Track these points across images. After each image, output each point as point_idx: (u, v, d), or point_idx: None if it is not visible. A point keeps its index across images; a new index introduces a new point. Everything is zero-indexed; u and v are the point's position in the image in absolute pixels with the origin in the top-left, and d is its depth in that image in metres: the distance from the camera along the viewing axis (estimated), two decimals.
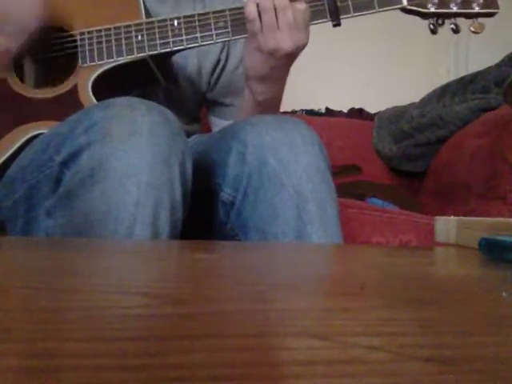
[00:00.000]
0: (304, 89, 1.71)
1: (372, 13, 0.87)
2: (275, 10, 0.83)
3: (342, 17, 0.87)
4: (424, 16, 0.89)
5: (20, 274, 0.31)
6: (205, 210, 0.83)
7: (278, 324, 0.22)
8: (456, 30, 0.89)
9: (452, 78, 1.71)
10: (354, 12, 0.87)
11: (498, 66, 1.49)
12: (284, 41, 0.83)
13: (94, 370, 0.15)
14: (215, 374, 0.15)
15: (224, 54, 1.04)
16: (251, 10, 0.84)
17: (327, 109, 1.90)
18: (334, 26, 0.88)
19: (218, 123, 1.07)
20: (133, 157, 0.65)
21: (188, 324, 0.21)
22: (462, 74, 1.70)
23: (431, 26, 0.89)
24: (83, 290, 0.27)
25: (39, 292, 0.26)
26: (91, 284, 0.29)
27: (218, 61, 1.04)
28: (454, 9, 0.88)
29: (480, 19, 0.88)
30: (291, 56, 0.86)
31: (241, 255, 0.49)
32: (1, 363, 0.15)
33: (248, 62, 0.88)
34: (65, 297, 0.25)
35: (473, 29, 0.88)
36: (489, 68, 1.51)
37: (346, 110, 1.88)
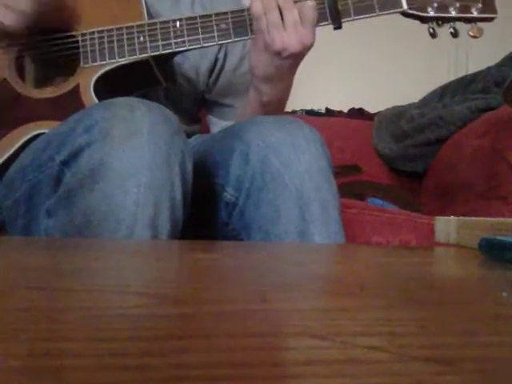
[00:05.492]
0: (304, 89, 1.71)
1: (373, 16, 0.88)
2: (279, 8, 0.83)
3: (342, 20, 0.87)
4: (424, 20, 0.90)
5: (20, 274, 0.31)
6: (207, 211, 0.83)
7: (278, 324, 0.22)
8: (455, 34, 0.91)
9: (452, 78, 1.71)
10: (355, 15, 0.87)
11: (498, 66, 1.49)
12: (290, 41, 0.83)
13: (94, 370, 0.15)
14: (215, 374, 0.15)
15: (222, 54, 1.04)
16: (257, 8, 0.84)
17: (327, 109, 1.90)
18: (335, 28, 0.88)
19: (218, 123, 1.07)
20: (133, 157, 0.65)
21: (188, 324, 0.21)
22: (462, 74, 1.71)
23: (430, 30, 0.90)
24: (83, 289, 0.27)
25: (39, 292, 0.26)
26: (91, 284, 0.30)
27: (216, 60, 1.03)
28: (453, 13, 0.89)
29: (479, 24, 0.89)
30: (298, 56, 0.85)
31: (241, 255, 0.49)
32: (1, 363, 0.15)
33: (253, 61, 0.88)
34: (65, 297, 0.25)
35: (471, 33, 0.90)
36: (489, 68, 1.51)
37: (346, 110, 1.88)
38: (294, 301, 0.27)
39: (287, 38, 0.83)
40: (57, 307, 0.23)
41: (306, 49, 0.85)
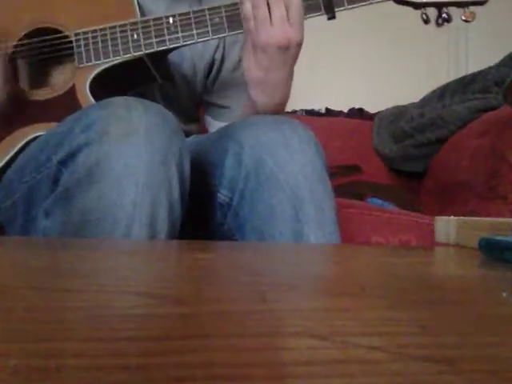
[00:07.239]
0: (304, 89, 1.71)
1: (366, 4, 0.86)
2: (268, 4, 0.83)
3: (336, 9, 0.86)
4: (416, 6, 0.89)
5: (20, 274, 0.31)
6: (202, 211, 0.83)
7: (277, 324, 0.22)
8: (448, 20, 0.89)
9: (452, 78, 1.71)
10: (348, 4, 0.86)
11: (498, 66, 1.49)
12: (275, 35, 0.82)
13: (94, 370, 0.15)
14: (215, 374, 0.15)
15: (219, 55, 1.03)
16: (248, 9, 0.84)
17: (327, 109, 1.90)
18: (329, 19, 0.87)
19: (213, 124, 1.07)
20: (130, 156, 0.65)
21: (188, 324, 0.21)
22: (462, 74, 1.71)
23: (424, 17, 0.89)
24: (83, 289, 0.27)
25: (39, 292, 0.26)
26: (91, 284, 0.29)
27: (213, 61, 1.03)
28: None
29: (471, 8, 0.89)
30: (284, 52, 0.83)
31: (240, 255, 0.49)
32: (1, 363, 0.15)
33: (245, 64, 0.87)
34: (65, 297, 0.25)
35: (464, 17, 0.89)
36: (489, 68, 1.51)
37: (346, 110, 1.88)
38: (293, 301, 0.27)
39: (273, 33, 0.82)
40: (57, 307, 0.23)
41: (293, 46, 0.83)
